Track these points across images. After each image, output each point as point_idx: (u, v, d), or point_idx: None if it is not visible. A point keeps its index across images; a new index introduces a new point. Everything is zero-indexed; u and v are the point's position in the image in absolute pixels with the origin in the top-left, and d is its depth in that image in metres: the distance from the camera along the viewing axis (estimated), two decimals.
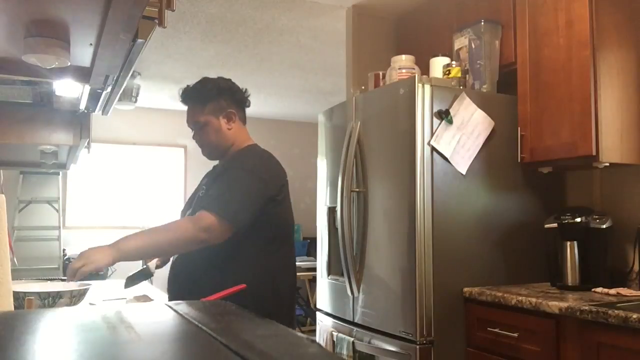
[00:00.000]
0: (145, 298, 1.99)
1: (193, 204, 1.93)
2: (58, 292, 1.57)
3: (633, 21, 2.22)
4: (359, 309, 2.45)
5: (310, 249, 6.27)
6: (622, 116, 2.17)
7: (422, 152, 2.20)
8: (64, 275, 1.81)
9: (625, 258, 2.28)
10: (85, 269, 1.60)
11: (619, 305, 1.78)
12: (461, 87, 2.36)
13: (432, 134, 2.22)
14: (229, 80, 2.03)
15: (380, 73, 2.68)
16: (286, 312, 1.90)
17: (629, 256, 2.27)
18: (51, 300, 1.54)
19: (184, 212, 2.02)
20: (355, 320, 2.48)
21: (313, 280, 5.20)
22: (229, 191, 1.78)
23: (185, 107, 2.01)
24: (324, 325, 2.74)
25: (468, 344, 2.21)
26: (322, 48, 4.08)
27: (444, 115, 2.23)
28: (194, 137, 2.00)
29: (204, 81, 1.99)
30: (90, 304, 1.82)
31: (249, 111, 2.07)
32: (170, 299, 1.89)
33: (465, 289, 2.23)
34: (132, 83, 4.70)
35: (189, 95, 1.96)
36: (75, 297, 1.61)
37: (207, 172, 2.09)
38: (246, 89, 2.04)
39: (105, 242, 1.68)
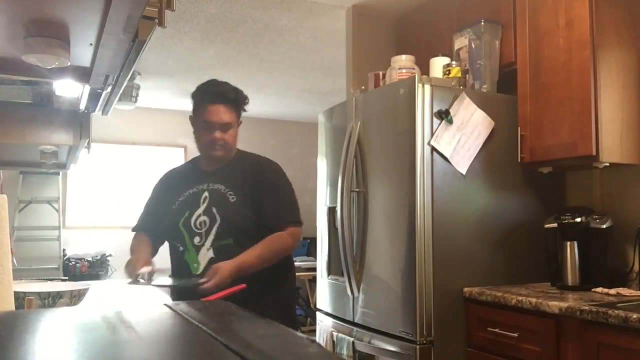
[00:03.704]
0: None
1: (223, 208, 1.94)
2: (58, 292, 1.57)
3: (633, 21, 2.22)
4: (359, 309, 2.45)
5: (310, 249, 6.27)
6: (622, 116, 2.17)
7: (422, 152, 2.20)
8: (64, 275, 1.83)
9: (625, 258, 2.28)
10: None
11: (619, 305, 1.78)
12: (461, 87, 2.36)
13: (432, 134, 2.22)
14: None
15: (380, 73, 2.68)
16: (291, 312, 2.12)
17: (629, 256, 2.26)
18: (51, 300, 1.54)
19: (180, 211, 1.99)
20: (355, 320, 2.47)
21: (313, 280, 5.19)
22: (290, 198, 2.06)
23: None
24: (324, 325, 2.74)
25: (468, 344, 2.21)
26: (322, 48, 4.08)
27: (444, 115, 2.23)
28: (215, 134, 1.99)
29: (234, 87, 2.05)
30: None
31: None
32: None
33: (465, 289, 2.23)
34: (132, 83, 4.70)
35: (229, 94, 2.01)
36: (75, 297, 1.61)
37: (207, 171, 2.06)
38: None
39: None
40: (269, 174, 2.04)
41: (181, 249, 1.97)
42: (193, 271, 1.92)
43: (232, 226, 1.93)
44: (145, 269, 1.86)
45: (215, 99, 1.98)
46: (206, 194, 1.98)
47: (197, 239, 1.94)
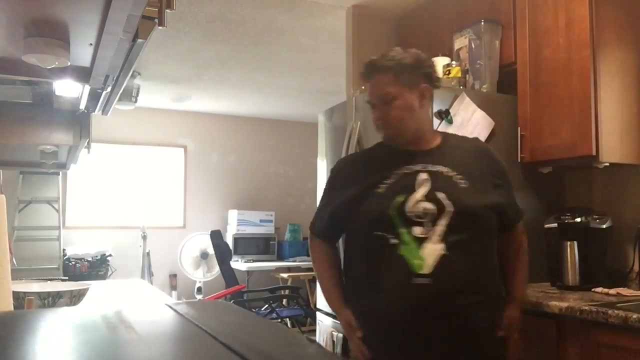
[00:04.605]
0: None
1: (455, 195, 1.57)
2: (58, 292, 1.57)
3: (633, 21, 2.22)
4: None
5: None
6: (622, 116, 2.17)
7: None
8: (64, 275, 1.80)
9: (625, 258, 2.28)
10: None
11: (619, 305, 1.78)
12: (461, 87, 2.37)
13: None
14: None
15: None
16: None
17: (629, 256, 2.26)
18: (51, 300, 1.54)
19: (389, 196, 1.60)
20: None
21: (313, 280, 5.20)
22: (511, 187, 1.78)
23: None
24: (324, 325, 2.74)
25: None
26: (322, 48, 4.09)
27: (444, 115, 2.23)
28: (374, 114, 1.71)
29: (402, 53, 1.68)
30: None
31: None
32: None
33: None
34: (132, 83, 4.70)
35: (384, 61, 1.66)
36: (75, 297, 1.61)
37: (413, 151, 1.68)
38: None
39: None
40: (496, 159, 1.75)
41: (393, 241, 1.55)
42: (416, 269, 1.52)
43: (470, 218, 1.57)
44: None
45: (371, 73, 1.68)
46: (425, 176, 1.60)
47: (418, 230, 1.54)
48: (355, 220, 1.66)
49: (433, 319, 1.53)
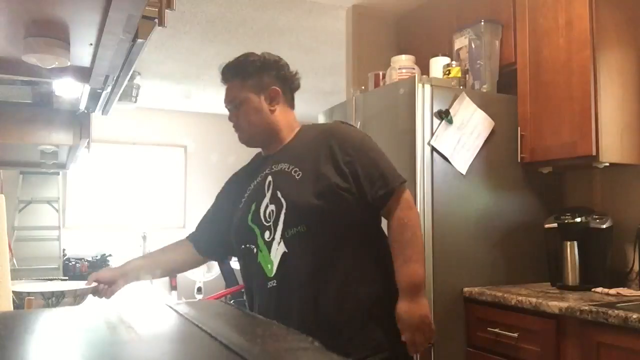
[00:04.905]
0: None
1: (288, 189, 1.53)
2: (62, 291, 1.56)
3: (633, 21, 2.22)
4: None
5: None
6: (622, 116, 2.17)
7: (422, 152, 2.20)
8: (64, 275, 1.79)
9: (625, 258, 2.28)
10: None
11: (619, 305, 1.78)
12: (461, 87, 2.36)
13: (432, 134, 2.22)
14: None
15: (380, 73, 2.68)
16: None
17: (629, 256, 2.26)
18: (55, 299, 1.54)
19: (247, 206, 1.60)
20: None
21: None
22: (377, 156, 1.59)
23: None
24: None
25: (468, 344, 2.21)
26: (322, 48, 4.08)
27: (444, 115, 2.23)
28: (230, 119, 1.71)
29: (243, 56, 1.78)
30: None
31: None
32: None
33: (465, 289, 2.23)
34: (132, 83, 4.70)
35: (228, 68, 1.74)
36: (78, 297, 1.61)
37: (269, 155, 1.69)
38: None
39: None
40: (342, 134, 1.61)
41: (255, 250, 1.56)
42: (268, 274, 1.51)
43: (301, 209, 1.49)
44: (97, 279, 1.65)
45: (223, 79, 1.73)
46: (270, 178, 1.58)
47: (267, 234, 1.53)
48: (224, 237, 1.69)
49: (288, 319, 1.44)
